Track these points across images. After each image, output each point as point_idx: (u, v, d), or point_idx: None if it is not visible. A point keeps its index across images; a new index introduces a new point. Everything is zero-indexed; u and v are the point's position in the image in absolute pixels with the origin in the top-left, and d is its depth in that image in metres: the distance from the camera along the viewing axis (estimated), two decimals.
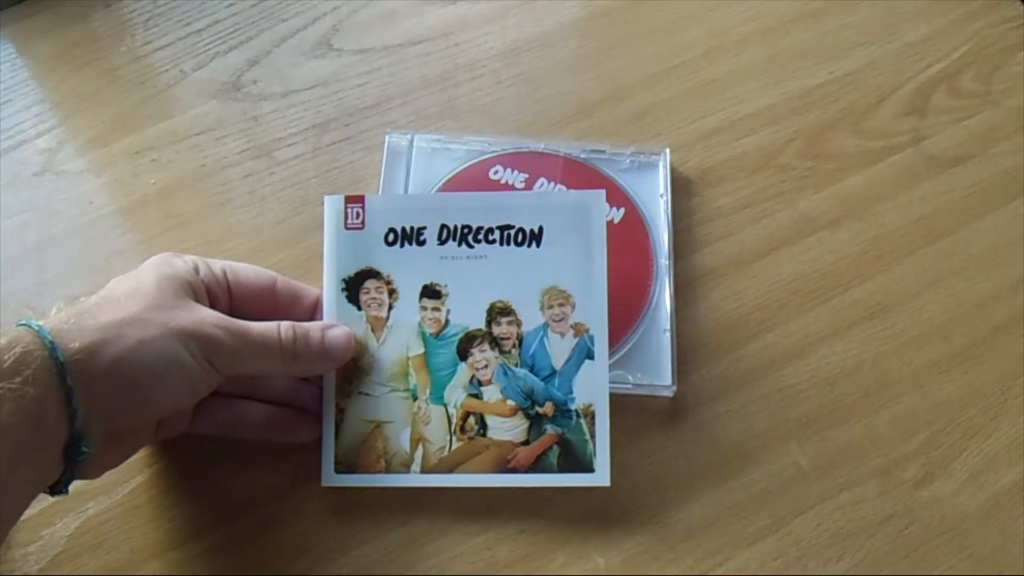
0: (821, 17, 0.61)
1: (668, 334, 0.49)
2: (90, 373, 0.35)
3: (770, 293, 0.52)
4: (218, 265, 0.43)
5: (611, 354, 0.47)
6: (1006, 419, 0.49)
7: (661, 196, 0.53)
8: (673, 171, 0.55)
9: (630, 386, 0.48)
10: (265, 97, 0.58)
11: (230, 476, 0.47)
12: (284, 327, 0.41)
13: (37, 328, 0.35)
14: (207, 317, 0.39)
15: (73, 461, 0.36)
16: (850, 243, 0.54)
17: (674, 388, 0.48)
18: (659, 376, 0.49)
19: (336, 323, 0.45)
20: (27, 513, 0.45)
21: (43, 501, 0.45)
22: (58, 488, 0.38)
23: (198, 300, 0.40)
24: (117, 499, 0.46)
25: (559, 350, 0.46)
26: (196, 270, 0.42)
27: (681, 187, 0.55)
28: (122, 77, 0.58)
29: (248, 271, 0.44)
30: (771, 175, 0.56)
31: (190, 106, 0.57)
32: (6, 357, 0.34)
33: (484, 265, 0.46)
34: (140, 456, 0.47)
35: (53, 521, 0.45)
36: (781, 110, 0.58)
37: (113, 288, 0.40)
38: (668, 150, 0.55)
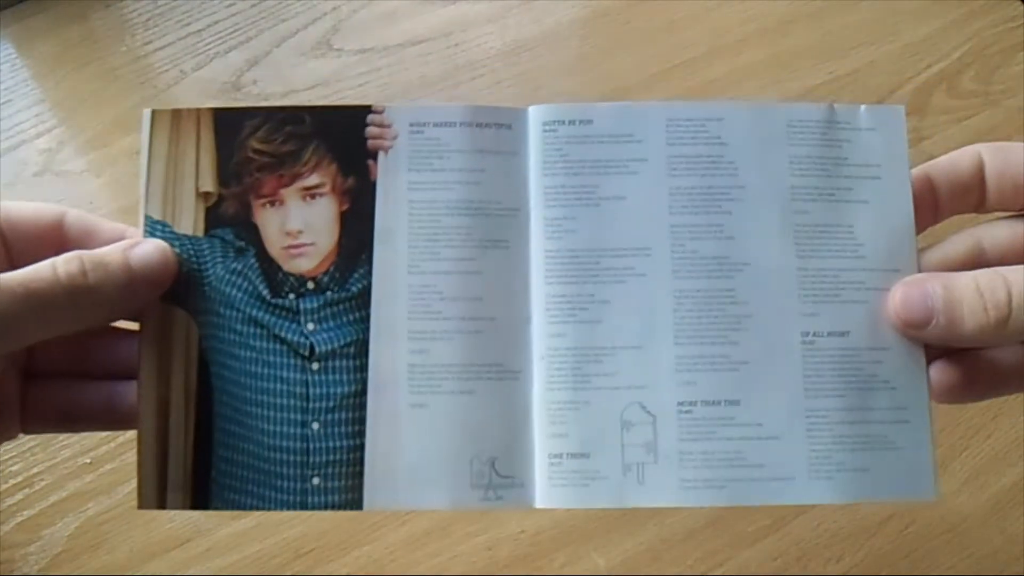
0: (821, 17, 0.61)
1: None
2: None
3: None
4: None
5: None
6: (1006, 419, 0.49)
7: None
8: None
9: None
10: (265, 97, 0.58)
11: None
12: (63, 258, 0.29)
13: None
14: None
15: None
16: None
17: None
18: None
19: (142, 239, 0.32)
20: (27, 513, 0.45)
21: (43, 501, 0.46)
22: None
23: None
24: (117, 499, 0.46)
25: None
26: None
27: None
28: (122, 77, 0.58)
29: (24, 207, 0.32)
30: None
31: (190, 106, 0.57)
32: None
33: None
34: None
35: (53, 521, 0.45)
36: None
37: None
38: None
